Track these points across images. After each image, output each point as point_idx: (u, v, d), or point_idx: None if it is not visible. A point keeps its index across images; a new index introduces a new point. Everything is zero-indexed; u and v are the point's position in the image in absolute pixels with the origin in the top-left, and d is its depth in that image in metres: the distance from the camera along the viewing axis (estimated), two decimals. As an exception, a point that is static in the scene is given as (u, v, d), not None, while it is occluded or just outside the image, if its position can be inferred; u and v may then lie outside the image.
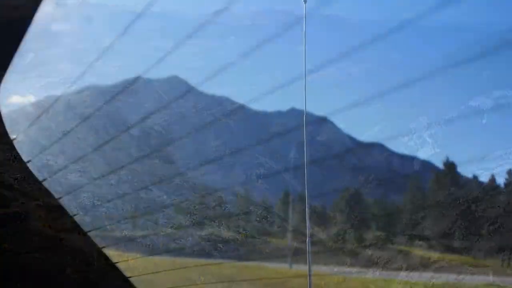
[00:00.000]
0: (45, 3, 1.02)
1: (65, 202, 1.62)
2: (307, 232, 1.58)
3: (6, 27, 1.13)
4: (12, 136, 1.46)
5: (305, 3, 2.90)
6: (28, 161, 1.50)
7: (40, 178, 1.54)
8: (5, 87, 1.39)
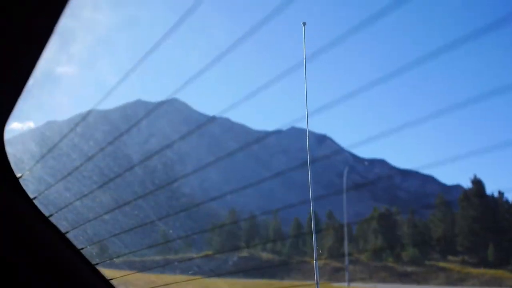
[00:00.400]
0: (50, 48, 1.04)
1: (71, 236, 1.63)
2: (314, 251, 1.58)
3: (11, 71, 1.15)
4: (18, 175, 1.48)
5: (304, 26, 2.91)
6: (34, 198, 1.52)
7: (47, 214, 1.57)
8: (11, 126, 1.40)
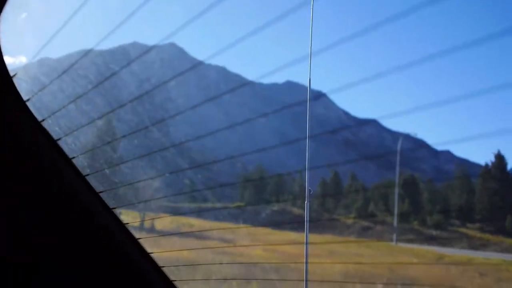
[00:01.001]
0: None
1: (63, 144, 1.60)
2: (306, 211, 1.60)
3: None
4: (12, 73, 1.42)
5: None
6: (27, 100, 1.48)
7: (39, 119, 1.53)
8: None
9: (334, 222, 43.53)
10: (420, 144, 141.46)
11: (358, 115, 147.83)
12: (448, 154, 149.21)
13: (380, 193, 47.77)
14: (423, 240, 39.61)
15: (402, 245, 33.39)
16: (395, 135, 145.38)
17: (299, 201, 49.41)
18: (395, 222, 37.87)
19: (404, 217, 44.97)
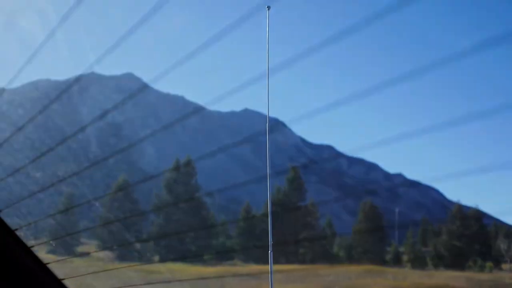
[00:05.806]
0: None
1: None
2: (269, 234, 1.64)
3: None
4: None
5: (268, 9, 2.95)
6: None
7: None
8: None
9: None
10: (373, 168, 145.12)
11: (314, 141, 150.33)
12: (400, 177, 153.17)
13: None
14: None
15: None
16: (350, 159, 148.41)
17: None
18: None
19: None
